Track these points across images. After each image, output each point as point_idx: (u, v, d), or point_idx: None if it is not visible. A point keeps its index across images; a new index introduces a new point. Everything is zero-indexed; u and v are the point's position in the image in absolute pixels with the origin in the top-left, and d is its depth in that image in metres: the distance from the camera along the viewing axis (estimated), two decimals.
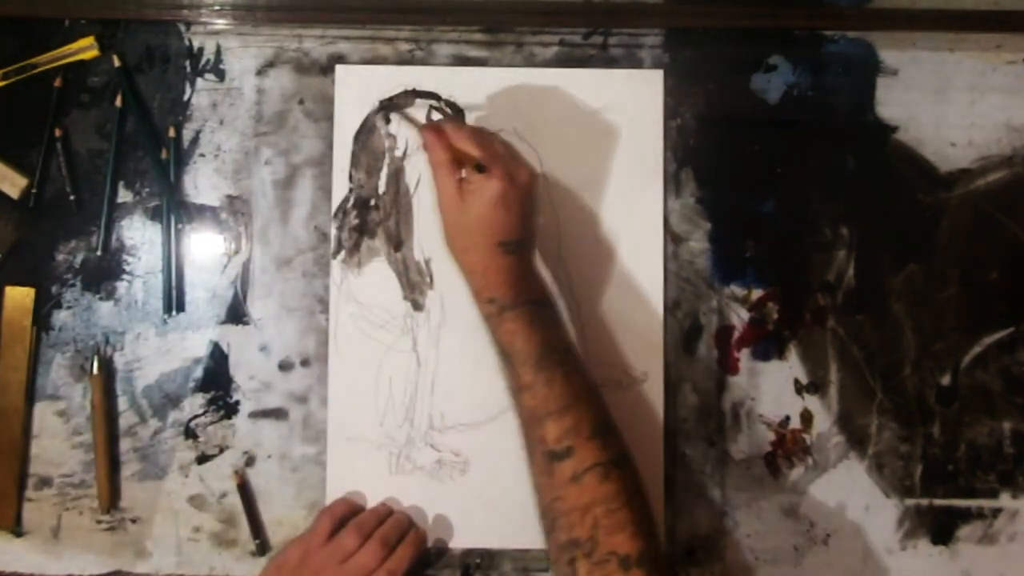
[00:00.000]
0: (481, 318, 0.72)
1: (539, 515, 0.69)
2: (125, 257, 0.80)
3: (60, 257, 0.80)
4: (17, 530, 0.79)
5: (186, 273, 0.80)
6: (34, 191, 0.79)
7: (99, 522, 0.79)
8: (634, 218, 0.80)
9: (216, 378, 0.80)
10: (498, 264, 0.70)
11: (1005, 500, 0.80)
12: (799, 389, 0.80)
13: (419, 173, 0.80)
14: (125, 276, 0.80)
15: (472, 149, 0.71)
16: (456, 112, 0.80)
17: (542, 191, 0.78)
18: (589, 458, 0.67)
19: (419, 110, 0.80)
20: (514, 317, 0.70)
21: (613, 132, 0.80)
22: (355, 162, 0.80)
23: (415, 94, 0.80)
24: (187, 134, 0.81)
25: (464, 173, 0.72)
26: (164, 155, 0.80)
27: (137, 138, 0.80)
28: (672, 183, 0.81)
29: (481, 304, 0.71)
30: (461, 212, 0.70)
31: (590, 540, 0.65)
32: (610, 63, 0.81)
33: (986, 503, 0.79)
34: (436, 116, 0.80)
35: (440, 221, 0.73)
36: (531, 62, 0.81)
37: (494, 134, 0.75)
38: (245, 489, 0.79)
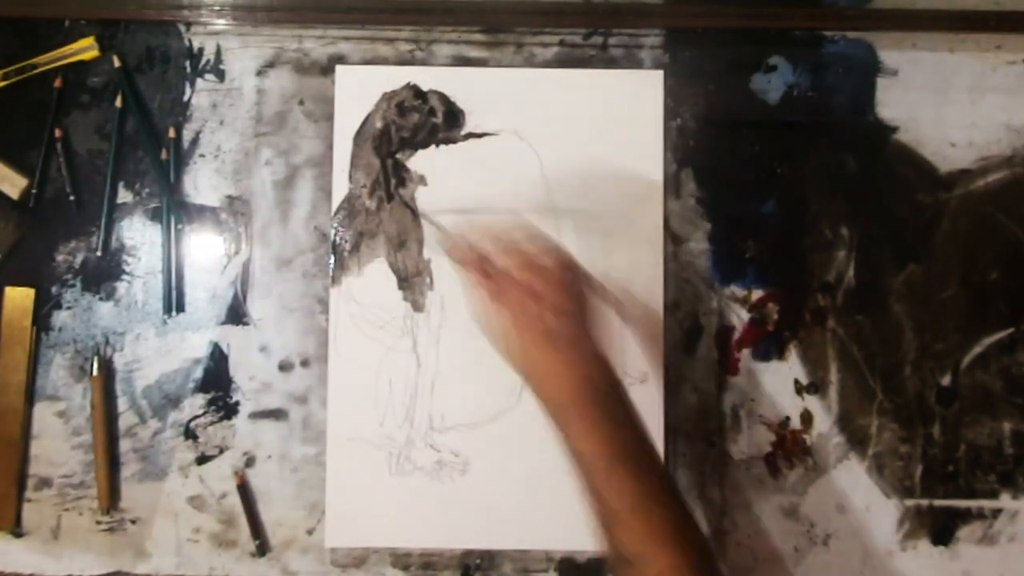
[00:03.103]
0: (545, 414, 0.68)
1: None
2: (125, 257, 0.80)
3: (60, 257, 0.80)
4: (17, 530, 0.79)
5: (186, 273, 0.80)
6: (34, 191, 0.79)
7: (99, 523, 0.79)
8: (634, 218, 0.80)
9: (216, 379, 0.79)
10: (551, 360, 0.67)
11: (1005, 500, 0.80)
12: (799, 389, 0.80)
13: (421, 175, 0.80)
14: (125, 276, 0.80)
15: (501, 253, 0.69)
16: (456, 112, 0.80)
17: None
18: (664, 562, 0.62)
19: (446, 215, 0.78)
20: (578, 417, 0.65)
21: (613, 132, 0.80)
22: (355, 162, 0.80)
23: (417, 91, 0.80)
24: (187, 134, 0.81)
25: (491, 270, 0.69)
26: (164, 155, 0.80)
27: (137, 138, 0.80)
28: (672, 183, 0.81)
29: (545, 404, 0.68)
30: (495, 313, 0.68)
31: None
32: (610, 63, 0.81)
33: (986, 503, 0.79)
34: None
35: (474, 317, 0.71)
36: (531, 62, 0.81)
37: (523, 230, 0.72)
38: (245, 490, 0.79)
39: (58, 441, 0.79)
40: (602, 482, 0.64)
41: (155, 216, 0.80)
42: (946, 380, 0.80)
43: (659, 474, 0.66)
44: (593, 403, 0.66)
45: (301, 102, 0.81)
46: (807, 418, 0.80)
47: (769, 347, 0.80)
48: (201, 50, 0.81)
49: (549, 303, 0.67)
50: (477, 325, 0.71)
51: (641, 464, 0.65)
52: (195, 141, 0.81)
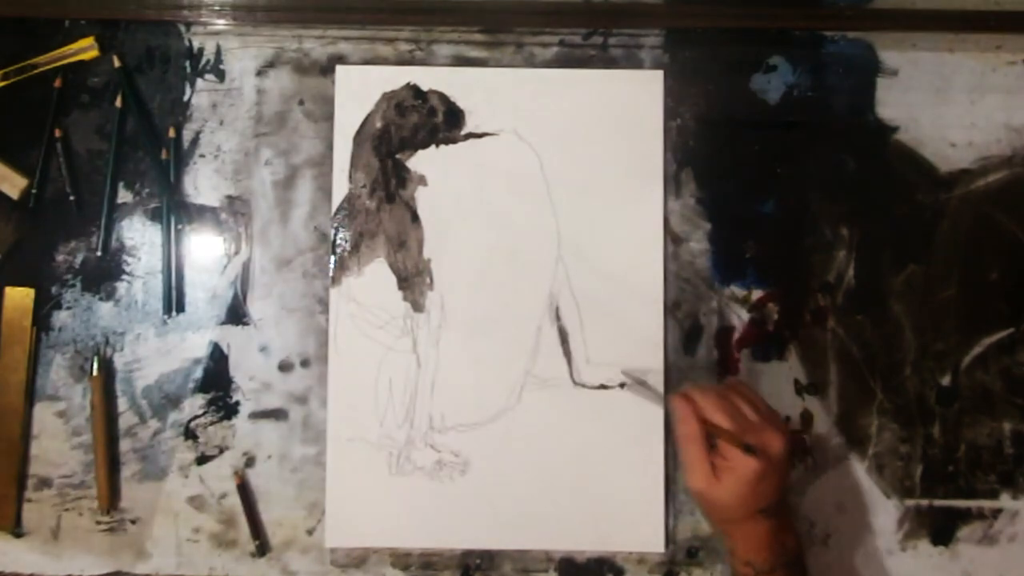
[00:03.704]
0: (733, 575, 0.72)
1: None
2: (125, 258, 0.80)
3: (60, 257, 0.80)
4: (17, 531, 0.79)
5: (186, 274, 0.80)
6: (34, 191, 0.79)
7: (99, 523, 0.79)
8: (634, 218, 0.80)
9: (216, 379, 0.79)
10: (758, 529, 0.69)
11: (1005, 501, 0.79)
12: (799, 390, 0.80)
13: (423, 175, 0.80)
14: (125, 277, 0.80)
15: (724, 421, 0.69)
16: (456, 112, 0.80)
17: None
18: None
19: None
20: None
21: (613, 132, 0.80)
22: (355, 162, 0.80)
23: (417, 91, 0.80)
24: (187, 134, 0.81)
25: (718, 443, 0.70)
26: (164, 156, 0.80)
27: (137, 138, 0.80)
28: (672, 183, 0.81)
29: (737, 564, 0.71)
30: (718, 489, 0.69)
31: None
32: (610, 63, 0.81)
33: (986, 504, 0.79)
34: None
35: (691, 492, 0.71)
36: (531, 62, 0.81)
37: (742, 394, 0.72)
38: (245, 490, 0.79)
39: (58, 441, 0.79)
40: None
41: (155, 216, 0.80)
42: (946, 380, 0.80)
43: None
44: (786, 571, 0.69)
45: (301, 102, 0.81)
46: (807, 418, 0.80)
47: (769, 347, 0.80)
48: (201, 50, 0.81)
49: (776, 481, 0.69)
50: (691, 493, 0.72)
51: None
52: (195, 141, 0.81)
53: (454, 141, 0.80)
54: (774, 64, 0.81)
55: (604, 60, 0.81)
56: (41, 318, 0.79)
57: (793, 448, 0.72)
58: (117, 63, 0.80)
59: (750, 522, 0.69)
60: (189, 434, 0.79)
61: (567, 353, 0.79)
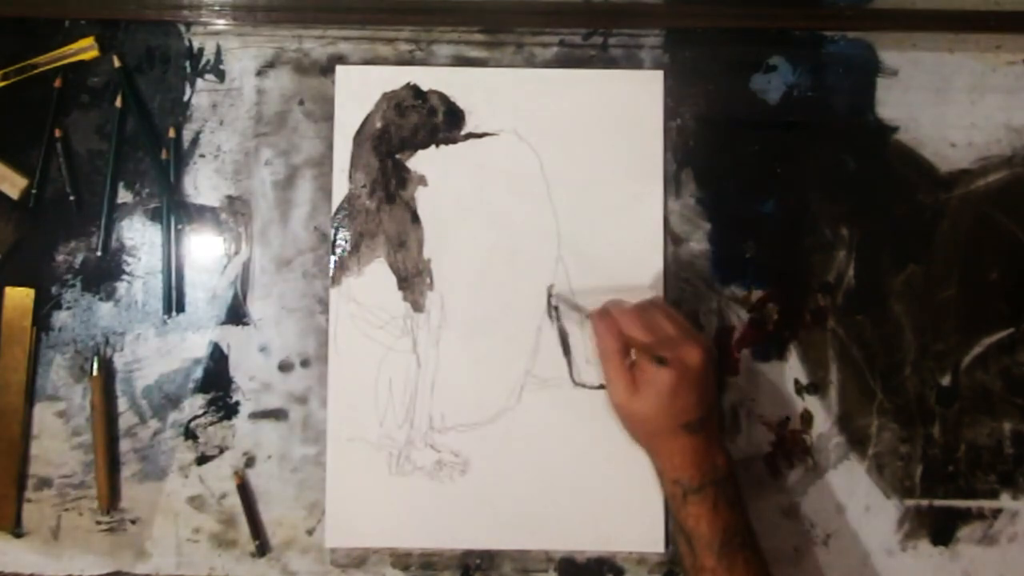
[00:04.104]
0: (664, 497, 0.73)
1: None
2: (125, 258, 0.80)
3: (60, 257, 0.80)
4: (17, 531, 0.79)
5: (186, 274, 0.80)
6: (34, 191, 0.79)
7: (99, 523, 0.79)
8: (634, 218, 0.80)
9: (216, 379, 0.79)
10: (682, 445, 0.70)
11: (1005, 501, 0.80)
12: (799, 390, 0.80)
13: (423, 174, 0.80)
14: (125, 277, 0.80)
15: (642, 335, 0.71)
16: (456, 112, 0.80)
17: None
18: None
19: (584, 298, 0.79)
20: (698, 500, 0.69)
21: (613, 132, 0.80)
22: (355, 162, 0.80)
23: (417, 91, 0.80)
24: (187, 135, 0.81)
25: (634, 356, 0.71)
26: (164, 156, 0.80)
27: (137, 138, 0.80)
28: (672, 183, 0.81)
29: (666, 484, 0.71)
30: (637, 401, 0.70)
31: None
32: (610, 63, 0.81)
33: (986, 504, 0.79)
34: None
35: (612, 406, 0.73)
36: (531, 62, 0.81)
37: (661, 309, 0.73)
38: (245, 490, 0.79)
39: (58, 441, 0.79)
40: (713, 564, 0.68)
41: (155, 216, 0.80)
42: (946, 380, 0.80)
43: (762, 558, 0.70)
44: (716, 489, 0.69)
45: (301, 102, 0.81)
46: (807, 418, 0.80)
47: (769, 347, 0.80)
48: (201, 50, 0.81)
49: (696, 394, 0.70)
50: (614, 413, 0.73)
51: (750, 550, 0.69)
52: (195, 141, 0.81)
53: (454, 141, 0.80)
54: (774, 64, 0.81)
55: (604, 60, 0.81)
56: (41, 318, 0.79)
57: (717, 361, 0.73)
58: (117, 63, 0.80)
59: (674, 438, 0.70)
60: (189, 434, 0.79)
61: (567, 353, 0.79)
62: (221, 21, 0.80)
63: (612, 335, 0.72)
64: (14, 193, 0.79)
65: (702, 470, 0.69)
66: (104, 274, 0.80)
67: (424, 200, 0.80)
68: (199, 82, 0.81)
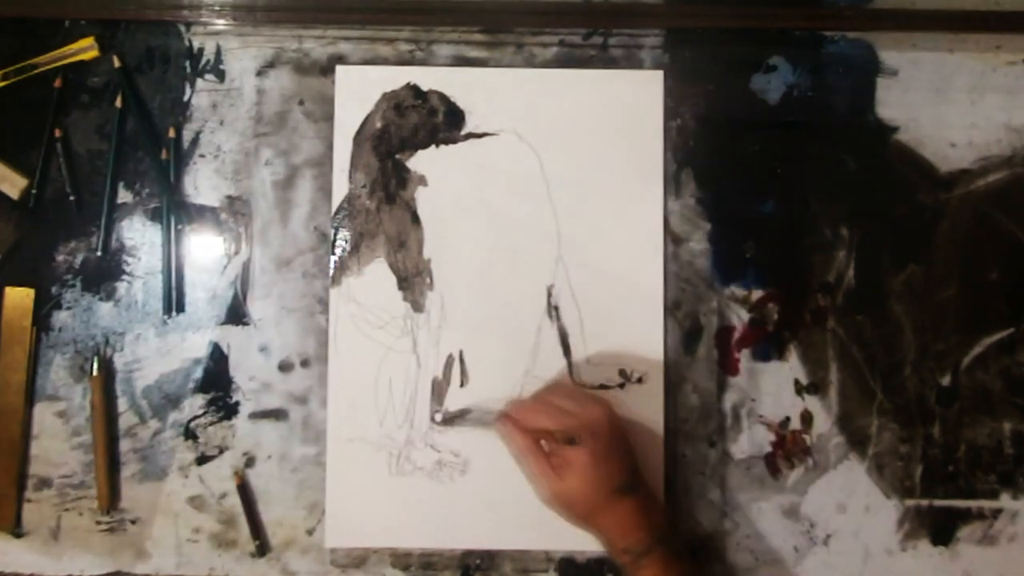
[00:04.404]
0: (617, 568, 0.73)
1: None
2: (125, 258, 0.80)
3: (60, 257, 0.80)
4: (17, 531, 0.79)
5: (186, 274, 0.80)
6: (34, 191, 0.79)
7: (99, 523, 0.79)
8: (634, 218, 0.80)
9: (216, 379, 0.79)
10: (624, 509, 0.70)
11: (1005, 501, 0.80)
12: (799, 390, 0.80)
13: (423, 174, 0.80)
14: (125, 277, 0.80)
15: (546, 422, 0.72)
16: (456, 112, 0.80)
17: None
18: None
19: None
20: (650, 562, 0.70)
21: (613, 132, 0.80)
22: (355, 162, 0.80)
23: (417, 91, 0.80)
24: (187, 135, 0.81)
25: (545, 445, 0.73)
26: (164, 156, 0.80)
27: (137, 138, 0.80)
28: (672, 183, 0.81)
29: (617, 556, 0.71)
30: (565, 486, 0.71)
31: None
32: (610, 63, 0.81)
33: (986, 504, 0.79)
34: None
35: (544, 501, 0.73)
36: (531, 62, 0.81)
37: (554, 391, 0.76)
38: (245, 490, 0.79)
39: (58, 441, 0.79)
40: None
41: (155, 216, 0.80)
42: (946, 380, 0.80)
43: None
44: (664, 547, 0.70)
45: (301, 102, 0.81)
46: (807, 418, 0.80)
47: (769, 347, 0.80)
48: (201, 50, 0.81)
49: (616, 455, 0.71)
50: (549, 507, 0.73)
51: None
52: (195, 141, 0.81)
53: (454, 141, 0.80)
54: (774, 64, 0.81)
55: (604, 60, 0.81)
56: (41, 318, 0.79)
57: (619, 419, 0.74)
58: (117, 63, 0.80)
59: (613, 505, 0.70)
60: (189, 434, 0.79)
61: (567, 353, 0.79)
62: (221, 21, 0.80)
63: (519, 434, 0.73)
64: (14, 193, 0.79)
65: (647, 529, 0.70)
66: (104, 274, 0.80)
67: (424, 200, 0.80)
68: (199, 82, 0.81)
